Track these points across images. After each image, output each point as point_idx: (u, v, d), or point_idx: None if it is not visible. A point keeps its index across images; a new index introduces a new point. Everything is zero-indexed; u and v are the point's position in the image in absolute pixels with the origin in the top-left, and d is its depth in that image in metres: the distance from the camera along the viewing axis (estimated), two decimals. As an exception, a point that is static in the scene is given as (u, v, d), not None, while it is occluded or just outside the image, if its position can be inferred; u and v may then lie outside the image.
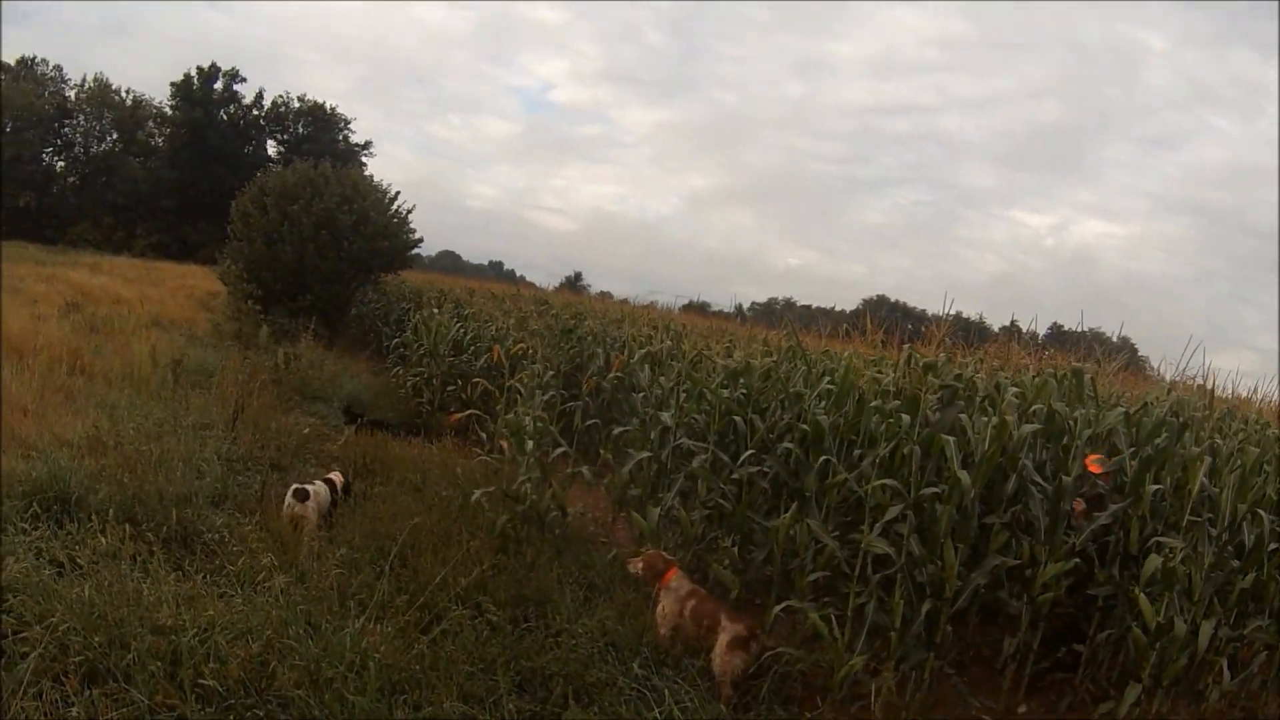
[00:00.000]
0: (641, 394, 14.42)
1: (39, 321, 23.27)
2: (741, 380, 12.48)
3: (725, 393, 12.37)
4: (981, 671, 10.57)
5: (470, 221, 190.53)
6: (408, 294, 36.46)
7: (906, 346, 11.32)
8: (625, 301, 32.12)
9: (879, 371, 11.45)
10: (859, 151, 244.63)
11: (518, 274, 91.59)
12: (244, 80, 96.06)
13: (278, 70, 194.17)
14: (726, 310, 31.11)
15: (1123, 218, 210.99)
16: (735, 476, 11.70)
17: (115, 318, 27.53)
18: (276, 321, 29.89)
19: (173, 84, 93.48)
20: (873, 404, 10.44)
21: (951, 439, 9.51)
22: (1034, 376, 11.83)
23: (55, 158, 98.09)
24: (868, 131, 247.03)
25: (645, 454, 13.22)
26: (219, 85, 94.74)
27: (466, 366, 22.74)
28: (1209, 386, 12.14)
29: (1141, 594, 9.30)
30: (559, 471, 12.96)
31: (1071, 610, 10.55)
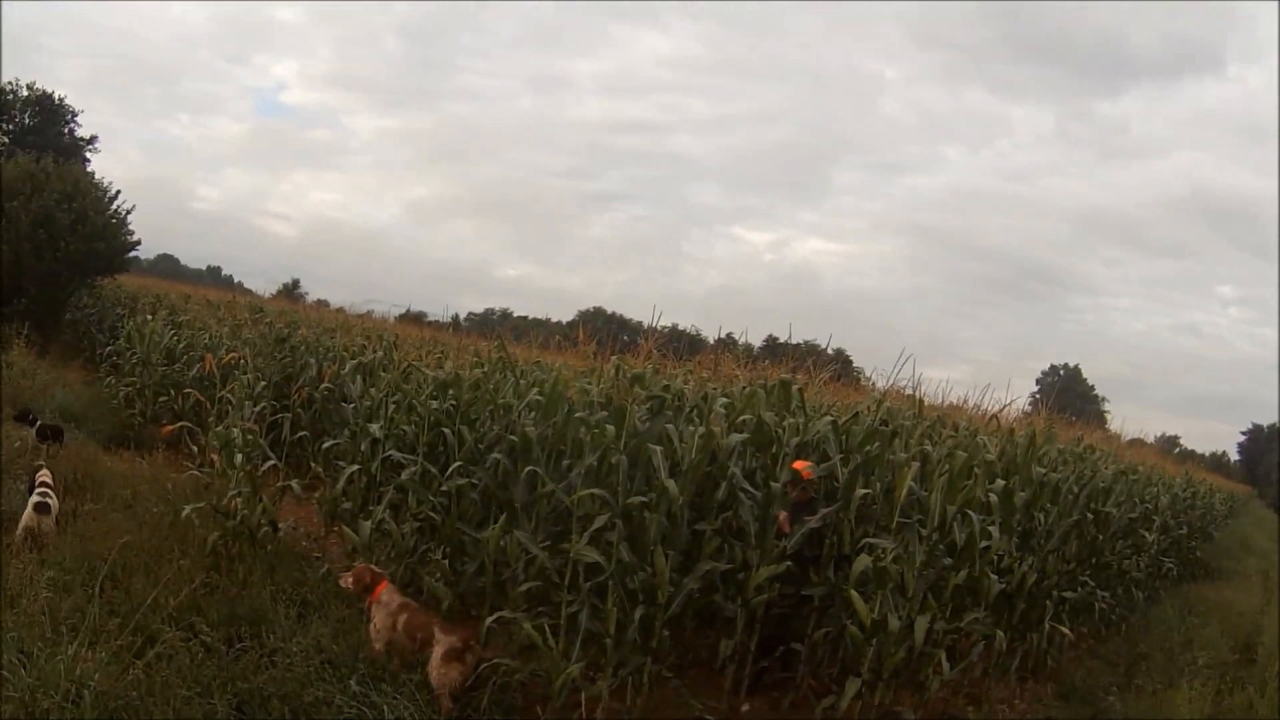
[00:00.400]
0: (352, 405, 14.27)
1: None
2: (451, 391, 12.47)
3: (435, 404, 12.36)
4: (701, 674, 10.84)
5: (193, 225, 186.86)
6: (123, 299, 35.74)
7: (615, 358, 11.38)
8: (341, 310, 31.99)
9: (589, 383, 11.45)
10: (588, 167, 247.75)
11: (236, 280, 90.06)
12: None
13: (13, 56, 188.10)
14: (444, 320, 31.11)
15: (844, 237, 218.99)
16: (445, 489, 11.70)
17: None
18: (-6, 328, 28.60)
19: None
20: (579, 414, 10.41)
21: (658, 448, 9.60)
22: (743, 387, 12.05)
23: None
24: (599, 147, 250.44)
25: (355, 467, 13.13)
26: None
27: (179, 376, 22.08)
28: (918, 395, 12.49)
29: (854, 592, 9.54)
30: (270, 485, 12.77)
31: (788, 611, 10.77)
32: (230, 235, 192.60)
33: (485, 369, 13.26)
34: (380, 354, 16.90)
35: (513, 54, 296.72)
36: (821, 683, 10.68)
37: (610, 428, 9.77)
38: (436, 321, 35.17)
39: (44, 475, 12.26)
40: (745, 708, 10.49)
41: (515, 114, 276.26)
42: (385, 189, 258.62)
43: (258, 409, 13.98)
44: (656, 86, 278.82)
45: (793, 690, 10.73)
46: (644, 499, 9.54)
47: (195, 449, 14.79)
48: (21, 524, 11.08)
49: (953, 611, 10.54)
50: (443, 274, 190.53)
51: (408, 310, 32.77)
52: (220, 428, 12.78)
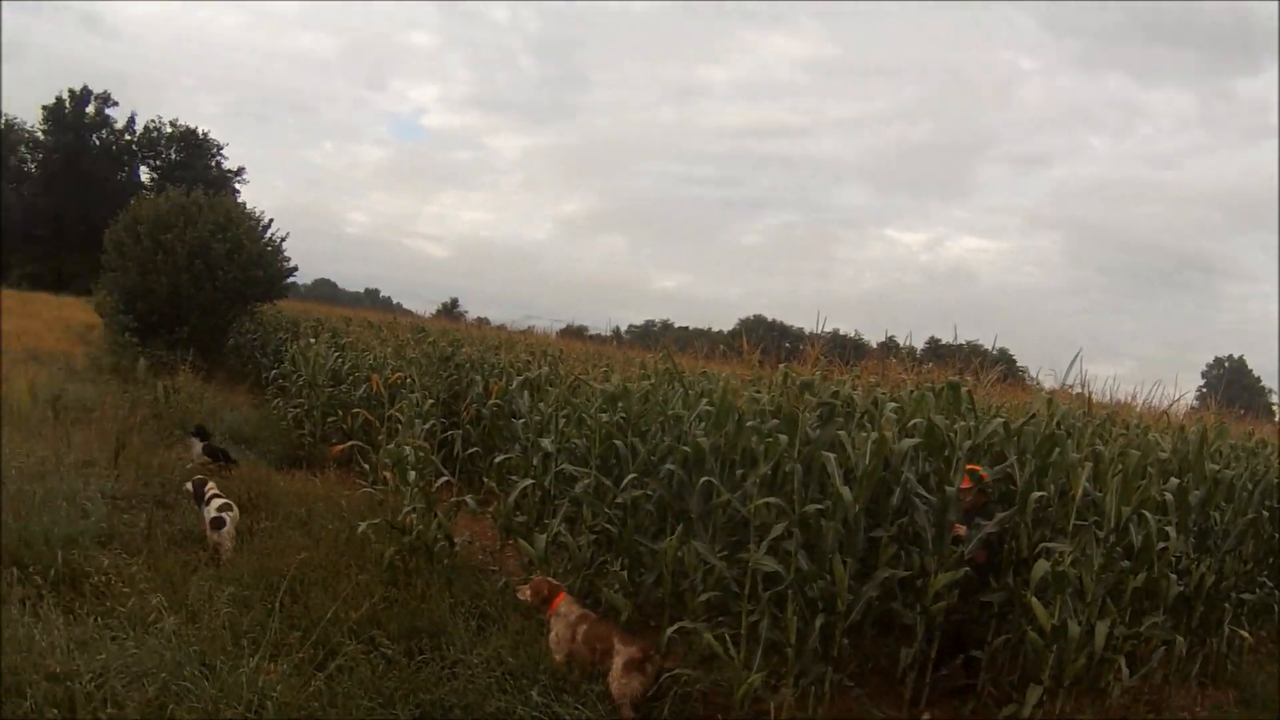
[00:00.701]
0: (522, 420, 14.34)
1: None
2: (621, 404, 12.52)
3: (604, 417, 12.41)
4: (881, 682, 10.72)
5: (346, 249, 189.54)
6: (285, 324, 36.30)
7: (782, 365, 11.36)
8: (503, 327, 32.18)
9: (758, 391, 11.43)
10: (735, 174, 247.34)
11: (394, 301, 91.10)
12: (115, 104, 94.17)
13: (152, 95, 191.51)
14: (604, 334, 31.19)
15: (996, 234, 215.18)
16: (620, 500, 11.76)
17: None
18: (154, 354, 29.43)
19: (44, 108, 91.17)
20: (750, 423, 10.41)
21: (832, 455, 9.58)
22: (911, 391, 11.95)
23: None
24: (742, 153, 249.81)
25: (529, 481, 13.17)
26: (90, 109, 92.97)
27: (346, 397, 22.54)
28: (1087, 394, 12.30)
29: (1034, 598, 9.39)
30: (443, 501, 12.83)
31: (967, 617, 10.66)
32: (384, 257, 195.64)
33: (653, 381, 13.32)
34: (546, 369, 16.99)
35: (646, 65, 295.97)
36: (1002, 690, 10.52)
37: (783, 436, 9.76)
38: (597, 335, 35.32)
39: (212, 488, 12.71)
40: (926, 716, 10.33)
41: (656, 124, 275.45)
42: (534, 206, 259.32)
43: (427, 426, 14.12)
44: (794, 89, 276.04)
45: (973, 698, 10.58)
46: (819, 507, 9.52)
47: (366, 467, 14.99)
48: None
49: (1131, 616, 10.38)
50: (599, 288, 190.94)
51: (568, 325, 32.99)
52: (392, 445, 12.91)
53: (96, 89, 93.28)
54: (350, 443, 16.32)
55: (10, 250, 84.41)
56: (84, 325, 43.14)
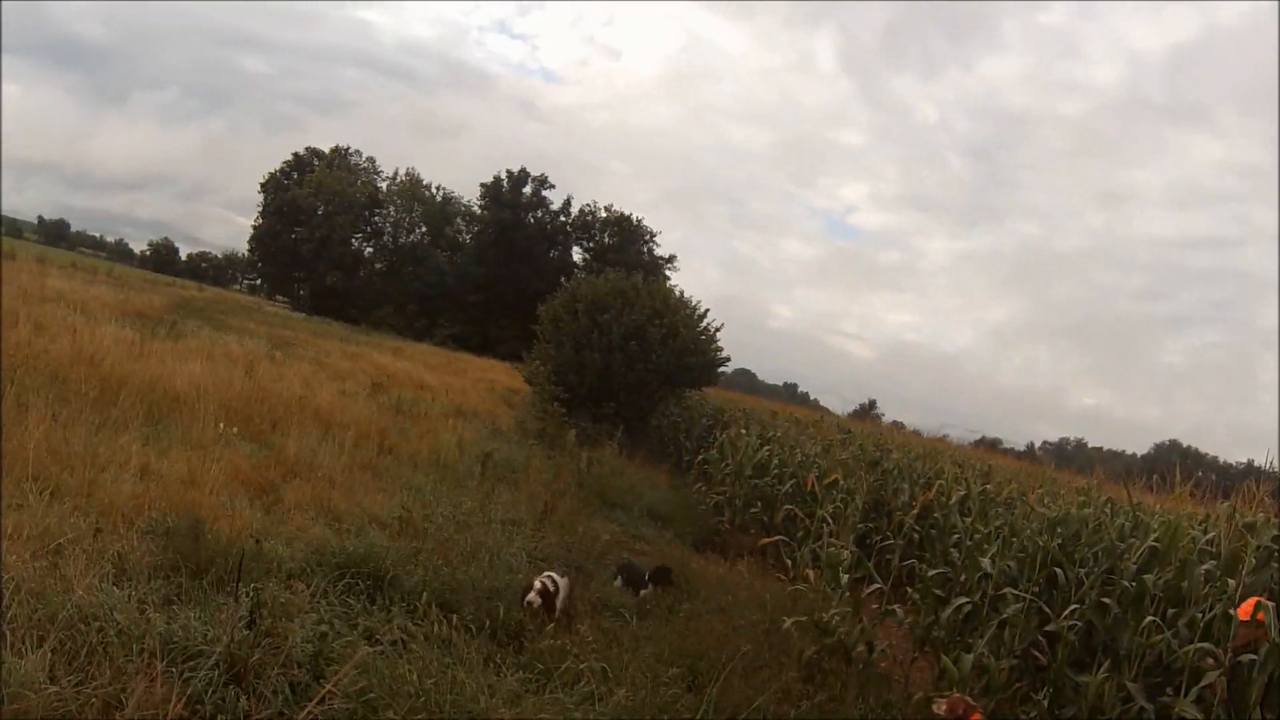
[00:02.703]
0: (955, 536, 14.23)
1: (344, 398, 24.20)
2: (1059, 530, 12.35)
3: (1042, 540, 12.29)
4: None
5: (768, 341, 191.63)
6: (708, 410, 37.10)
7: (1225, 504, 11.20)
8: (917, 432, 32.18)
9: (1200, 529, 11.31)
10: (1160, 286, 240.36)
11: (811, 397, 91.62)
12: (552, 186, 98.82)
13: (585, 178, 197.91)
14: (1018, 448, 30.81)
15: None
16: (1050, 628, 11.59)
17: (419, 402, 28.48)
18: (580, 425, 30.26)
19: (482, 184, 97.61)
20: (1201, 569, 10.28)
21: (1270, 604, 9.37)
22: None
23: (364, 243, 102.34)
24: (1169, 265, 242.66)
25: (966, 600, 12.92)
26: (528, 189, 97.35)
27: (769, 489, 22.68)
28: None
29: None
30: (869, 607, 12.89)
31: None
32: (804, 353, 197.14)
33: (1092, 509, 12.97)
34: (979, 487, 16.96)
35: (1072, 166, 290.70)
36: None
37: (1230, 581, 9.65)
38: (1011, 449, 35.02)
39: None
40: None
41: (1082, 231, 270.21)
42: (957, 311, 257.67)
43: (859, 530, 14.21)
44: (1222, 196, 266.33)
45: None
46: (1254, 657, 9.30)
47: (789, 563, 15.25)
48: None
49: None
50: (1015, 399, 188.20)
51: (983, 436, 32.83)
52: (832, 548, 13.08)
53: (534, 171, 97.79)
54: (776, 537, 16.56)
55: (438, 310, 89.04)
56: (506, 389, 44.57)
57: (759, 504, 22.35)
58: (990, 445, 36.59)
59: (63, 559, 8.87)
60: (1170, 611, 10.53)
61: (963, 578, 13.30)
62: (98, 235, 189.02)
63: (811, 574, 13.88)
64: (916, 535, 17.14)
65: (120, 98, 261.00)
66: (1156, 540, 11.27)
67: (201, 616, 8.35)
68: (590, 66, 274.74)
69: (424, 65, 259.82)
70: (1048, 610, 11.87)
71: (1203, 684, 9.38)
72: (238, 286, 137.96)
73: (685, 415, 37.68)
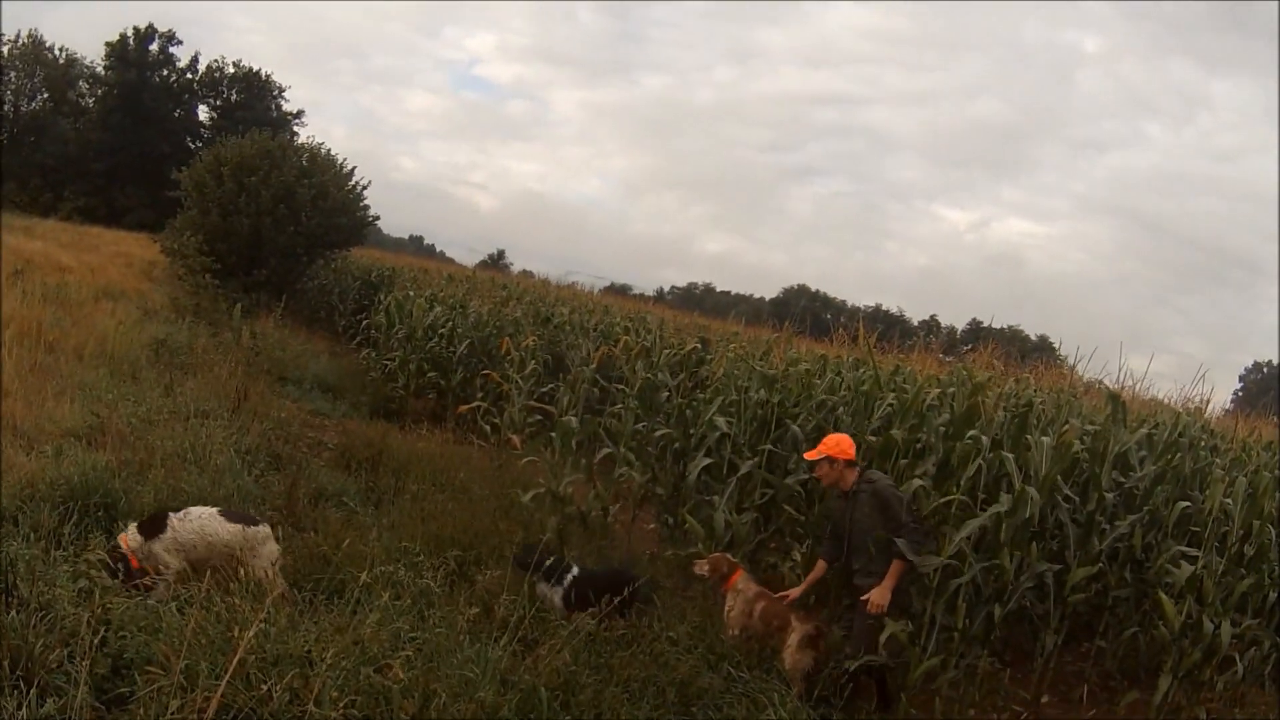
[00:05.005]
0: (665, 394, 14.10)
1: (-12, 289, 22.00)
2: (778, 386, 12.52)
3: (759, 396, 12.42)
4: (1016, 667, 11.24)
5: (393, 195, 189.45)
6: (355, 271, 36.74)
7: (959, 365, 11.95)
8: (546, 281, 32.65)
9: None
10: (787, 140, 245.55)
11: (438, 249, 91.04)
12: (180, 43, 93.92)
13: (208, 34, 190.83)
14: (647, 293, 31.64)
15: (1046, 217, 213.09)
16: (789, 483, 11.92)
17: (63, 286, 26.58)
18: (232, 296, 29.40)
19: (108, 44, 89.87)
20: (939, 422, 10.78)
21: (1010, 455, 10.05)
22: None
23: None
24: (796, 120, 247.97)
25: (706, 459, 12.58)
26: (154, 47, 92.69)
27: (443, 353, 22.73)
28: (1199, 406, 13.05)
29: (1163, 595, 9.96)
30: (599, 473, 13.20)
31: (1089, 611, 11.35)
32: (430, 206, 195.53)
33: (806, 365, 13.23)
34: (697, 345, 16.46)
35: (705, 24, 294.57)
36: (1108, 679, 11.36)
37: (985, 438, 10.20)
38: (640, 294, 35.72)
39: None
40: (1044, 699, 10.91)
41: (712, 85, 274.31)
42: (586, 162, 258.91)
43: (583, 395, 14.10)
44: (854, 58, 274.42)
45: (1080, 685, 11.22)
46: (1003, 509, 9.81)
47: (488, 429, 15.58)
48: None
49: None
50: (644, 247, 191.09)
51: (611, 283, 33.42)
52: (564, 418, 13.10)
53: (161, 28, 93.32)
54: (476, 403, 16.72)
55: (63, 183, 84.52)
56: (145, 262, 42.55)
57: (434, 369, 22.42)
58: (620, 291, 37.25)
59: None
60: (902, 462, 10.96)
61: (695, 439, 13.00)
62: None
63: (516, 439, 14.12)
64: (598, 391, 16.79)
65: None
66: (895, 398, 11.67)
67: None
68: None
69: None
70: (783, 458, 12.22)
71: (964, 535, 9.70)
72: None
73: (336, 279, 37.11)
